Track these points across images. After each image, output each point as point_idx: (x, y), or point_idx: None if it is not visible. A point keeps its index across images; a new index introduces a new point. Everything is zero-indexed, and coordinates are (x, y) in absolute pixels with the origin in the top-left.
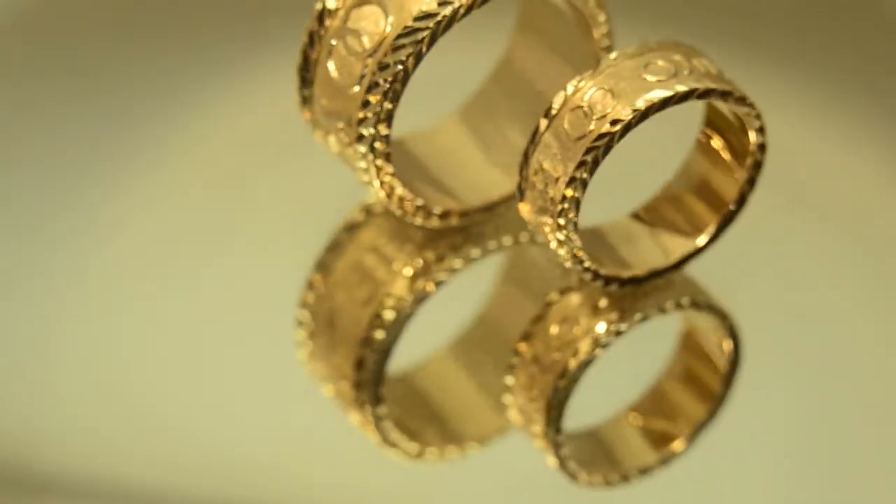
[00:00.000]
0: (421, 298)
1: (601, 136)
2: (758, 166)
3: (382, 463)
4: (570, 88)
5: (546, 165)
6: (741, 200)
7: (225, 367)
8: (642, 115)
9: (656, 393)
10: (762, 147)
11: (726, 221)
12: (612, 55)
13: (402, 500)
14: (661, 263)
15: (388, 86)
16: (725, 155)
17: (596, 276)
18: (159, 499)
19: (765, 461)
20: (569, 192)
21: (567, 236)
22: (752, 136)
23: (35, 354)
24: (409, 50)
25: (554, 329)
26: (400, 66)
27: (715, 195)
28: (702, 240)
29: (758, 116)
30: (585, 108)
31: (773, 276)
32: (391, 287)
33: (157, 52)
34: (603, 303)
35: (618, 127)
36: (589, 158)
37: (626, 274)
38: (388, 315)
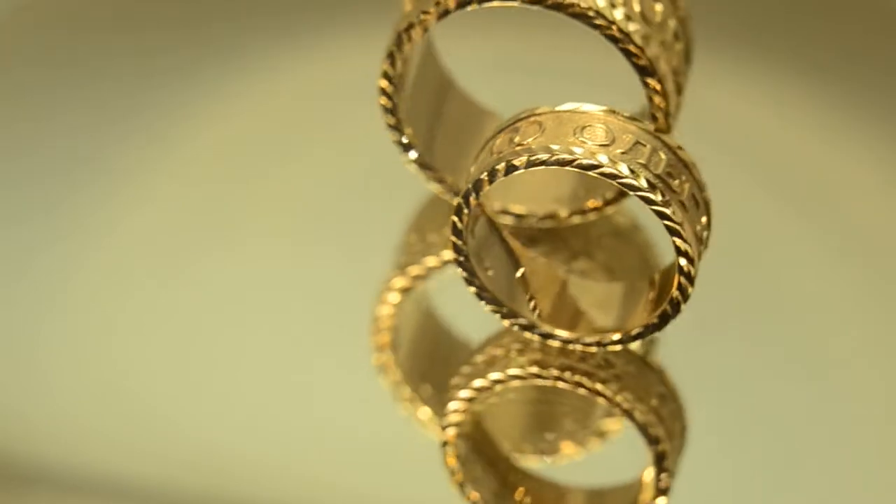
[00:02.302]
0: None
1: (502, 162)
2: (673, 294)
3: (383, 461)
4: (526, 113)
5: (472, 171)
6: (624, 339)
7: (225, 362)
8: (529, 164)
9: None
10: (670, 274)
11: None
12: (582, 105)
13: (403, 499)
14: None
15: (402, 30)
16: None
17: (479, 293)
18: (158, 495)
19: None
20: (462, 201)
21: (454, 242)
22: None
23: (33, 349)
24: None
25: (482, 356)
26: (420, 17)
27: (625, 316)
28: (589, 339)
29: (671, 229)
30: (516, 134)
31: (768, 273)
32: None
33: (167, 40)
34: (534, 349)
35: (503, 165)
36: (482, 177)
37: (514, 310)
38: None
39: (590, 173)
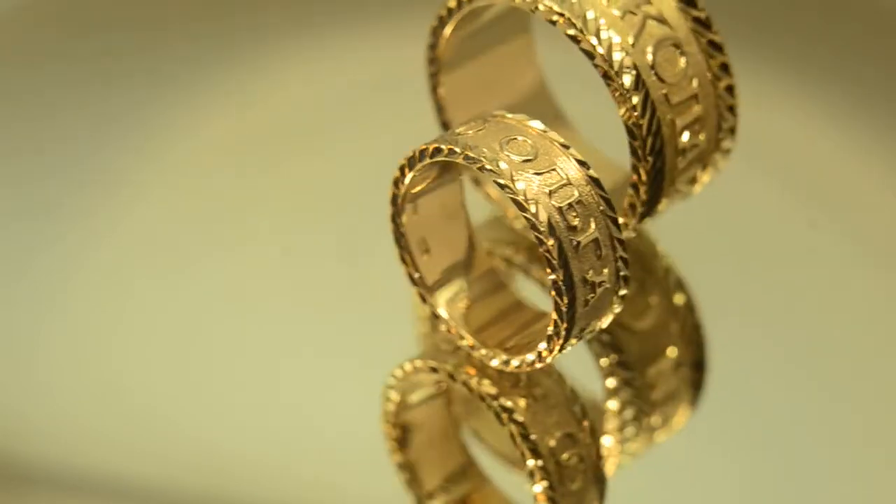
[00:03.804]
0: None
1: (423, 146)
2: (549, 329)
3: (383, 462)
4: (490, 113)
5: None
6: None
7: (226, 362)
8: (433, 153)
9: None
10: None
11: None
12: (530, 120)
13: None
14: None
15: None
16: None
17: (409, 271)
18: (158, 495)
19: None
20: (397, 173)
21: (392, 213)
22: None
23: (33, 349)
24: None
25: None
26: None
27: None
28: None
29: (547, 259)
30: (462, 125)
31: (764, 270)
32: None
33: (168, 39)
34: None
35: (418, 150)
36: (403, 161)
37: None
38: None
39: (488, 178)
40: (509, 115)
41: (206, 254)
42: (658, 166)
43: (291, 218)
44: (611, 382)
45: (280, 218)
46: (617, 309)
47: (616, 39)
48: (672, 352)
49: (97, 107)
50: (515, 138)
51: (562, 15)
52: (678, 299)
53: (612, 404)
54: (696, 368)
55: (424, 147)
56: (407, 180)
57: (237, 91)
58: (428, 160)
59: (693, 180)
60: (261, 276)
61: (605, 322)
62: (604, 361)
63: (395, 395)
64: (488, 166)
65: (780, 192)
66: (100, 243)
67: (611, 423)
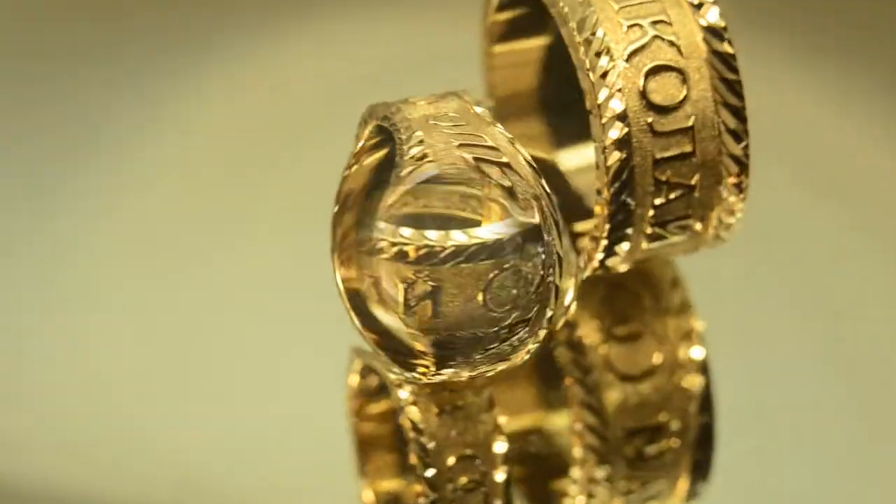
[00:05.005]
0: None
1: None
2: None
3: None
4: (458, 91)
5: None
6: None
7: (224, 361)
8: (380, 121)
9: None
10: None
11: None
12: (478, 107)
13: None
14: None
15: None
16: None
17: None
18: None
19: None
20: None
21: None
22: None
23: (19, 361)
24: None
25: None
26: None
27: None
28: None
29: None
30: (416, 97)
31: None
32: None
33: (153, 30)
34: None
35: (373, 112)
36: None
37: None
38: None
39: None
40: (466, 97)
41: (205, 253)
42: (623, 199)
43: (288, 214)
44: (577, 426)
45: (276, 214)
46: (531, 343)
47: (609, 48)
48: (664, 416)
49: (78, 101)
50: (448, 114)
51: (554, 6)
52: (692, 368)
53: (571, 445)
54: (696, 443)
55: (370, 108)
56: (360, 143)
57: (232, 86)
58: (375, 123)
59: (686, 229)
60: (257, 274)
61: (527, 350)
62: (572, 405)
63: (352, 380)
64: (405, 137)
65: (802, 188)
66: (99, 243)
67: (560, 466)
